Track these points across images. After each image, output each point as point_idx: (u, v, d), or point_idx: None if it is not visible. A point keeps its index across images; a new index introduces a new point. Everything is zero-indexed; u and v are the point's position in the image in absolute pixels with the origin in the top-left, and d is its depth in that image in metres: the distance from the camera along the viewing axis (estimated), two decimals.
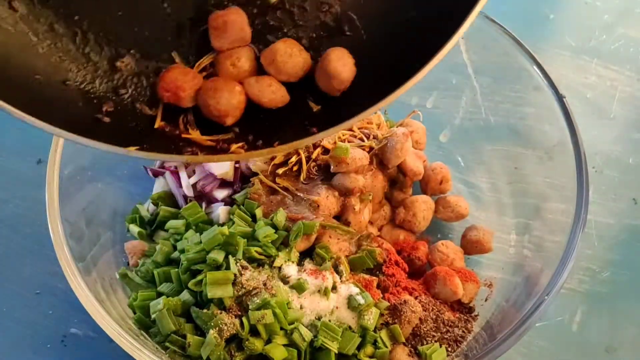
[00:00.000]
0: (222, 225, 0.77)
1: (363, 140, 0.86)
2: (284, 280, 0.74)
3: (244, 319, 0.69)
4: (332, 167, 0.82)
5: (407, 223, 0.86)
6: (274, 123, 0.58)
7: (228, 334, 0.68)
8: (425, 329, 0.76)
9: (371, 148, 0.85)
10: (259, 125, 0.58)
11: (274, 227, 0.77)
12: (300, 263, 0.77)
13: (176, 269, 0.74)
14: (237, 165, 0.87)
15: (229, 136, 0.57)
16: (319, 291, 0.73)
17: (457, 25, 0.49)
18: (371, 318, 0.72)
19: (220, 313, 0.69)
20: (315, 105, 0.58)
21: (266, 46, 0.58)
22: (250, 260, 0.74)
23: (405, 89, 0.52)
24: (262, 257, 0.74)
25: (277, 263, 0.74)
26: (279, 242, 0.76)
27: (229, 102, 0.55)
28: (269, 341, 0.69)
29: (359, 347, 0.72)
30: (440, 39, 0.50)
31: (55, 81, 0.54)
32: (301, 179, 0.83)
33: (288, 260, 0.75)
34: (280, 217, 0.78)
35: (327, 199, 0.80)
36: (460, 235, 0.89)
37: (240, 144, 0.56)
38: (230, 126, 0.57)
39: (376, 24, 0.58)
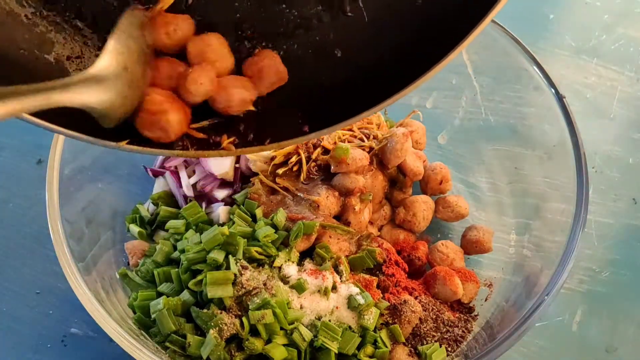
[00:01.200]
0: (222, 225, 0.77)
1: (363, 141, 0.86)
2: (284, 280, 0.74)
3: (244, 319, 0.69)
4: (332, 167, 0.82)
5: (407, 223, 0.86)
6: (267, 117, 0.57)
7: (228, 334, 0.68)
8: (425, 329, 0.76)
9: (371, 148, 0.85)
10: (252, 118, 0.56)
11: (274, 227, 0.77)
12: (300, 263, 0.77)
13: (176, 269, 0.74)
14: (237, 165, 0.87)
15: (215, 120, 0.55)
16: (319, 291, 0.73)
17: (473, 25, 0.46)
18: (371, 318, 0.72)
19: (220, 313, 0.69)
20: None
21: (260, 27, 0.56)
22: (250, 260, 0.74)
23: (408, 91, 0.49)
24: (262, 257, 0.74)
25: (277, 263, 0.74)
26: (279, 242, 0.76)
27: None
28: (269, 341, 0.69)
29: (359, 347, 0.72)
30: (453, 37, 0.47)
31: (41, 56, 0.50)
32: (301, 179, 0.83)
33: (288, 260, 0.75)
34: (281, 217, 0.78)
35: (327, 199, 0.80)
36: (460, 235, 0.89)
37: (231, 139, 0.54)
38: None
39: (380, 6, 0.55)
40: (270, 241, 0.75)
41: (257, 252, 0.74)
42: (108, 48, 0.48)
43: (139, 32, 0.51)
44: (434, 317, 0.77)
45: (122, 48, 0.48)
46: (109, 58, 0.47)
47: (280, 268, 0.75)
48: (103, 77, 0.46)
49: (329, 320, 0.72)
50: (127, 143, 0.51)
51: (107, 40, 0.48)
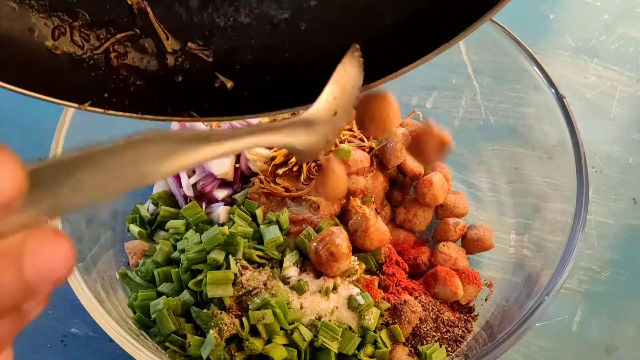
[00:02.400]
0: (222, 225, 0.77)
1: (363, 141, 0.86)
2: (284, 280, 0.74)
3: (244, 319, 0.69)
4: None
5: (408, 223, 0.86)
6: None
7: (228, 334, 0.68)
8: (425, 329, 0.76)
9: (371, 148, 0.85)
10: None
11: (279, 226, 0.77)
12: (301, 263, 0.77)
13: (176, 269, 0.74)
14: (237, 165, 0.87)
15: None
16: (319, 291, 0.73)
17: None
18: (372, 318, 0.73)
19: (220, 313, 0.69)
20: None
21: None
22: (251, 260, 0.74)
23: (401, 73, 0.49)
24: (263, 260, 0.75)
25: (285, 265, 0.74)
26: (283, 248, 0.76)
27: None
28: (269, 341, 0.69)
29: (359, 347, 0.72)
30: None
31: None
32: (301, 179, 0.83)
33: (293, 264, 0.75)
34: (285, 217, 0.78)
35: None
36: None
37: None
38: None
39: None
40: (275, 246, 0.75)
41: (258, 255, 0.74)
42: (326, 91, 0.47)
43: (358, 74, 0.49)
44: (434, 317, 0.77)
45: (339, 92, 0.47)
46: (325, 102, 0.47)
47: (281, 268, 0.75)
48: (313, 122, 0.46)
49: (329, 320, 0.72)
50: (90, 105, 0.49)
51: (328, 83, 0.47)
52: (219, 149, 0.37)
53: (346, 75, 0.48)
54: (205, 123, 0.87)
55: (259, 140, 0.41)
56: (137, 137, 0.34)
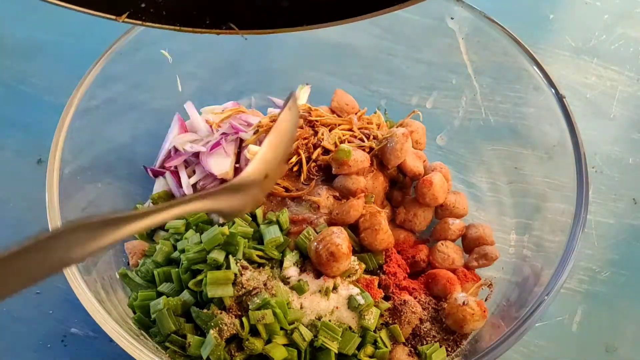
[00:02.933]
0: (222, 225, 0.77)
1: (363, 141, 0.86)
2: (284, 280, 0.74)
3: (244, 319, 0.69)
4: (333, 169, 0.82)
5: (408, 223, 0.86)
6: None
7: (228, 334, 0.68)
8: (425, 329, 0.76)
9: (371, 148, 0.85)
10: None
11: (279, 226, 0.77)
12: (301, 263, 0.77)
13: (176, 269, 0.74)
14: (237, 165, 0.87)
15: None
16: (319, 291, 0.73)
17: None
18: (372, 318, 0.73)
19: (220, 313, 0.69)
20: None
21: None
22: (251, 260, 0.74)
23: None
24: (263, 260, 0.75)
25: (285, 265, 0.74)
26: (283, 248, 0.76)
27: None
28: (269, 341, 0.69)
29: (359, 347, 0.72)
30: None
31: None
32: (301, 179, 0.83)
33: (293, 265, 0.75)
34: (285, 217, 0.78)
35: (327, 200, 0.80)
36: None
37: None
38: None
39: None
40: (275, 246, 0.75)
41: (258, 255, 0.74)
42: (258, 157, 0.47)
43: (292, 134, 0.49)
44: (434, 316, 0.77)
45: (271, 155, 0.48)
46: (257, 166, 0.47)
47: (281, 268, 0.75)
48: (242, 186, 0.46)
49: (329, 320, 0.72)
50: (127, 17, 0.48)
51: (262, 145, 0.47)
52: (139, 225, 0.40)
53: (281, 133, 0.49)
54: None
55: (183, 210, 0.43)
56: (61, 229, 0.37)
